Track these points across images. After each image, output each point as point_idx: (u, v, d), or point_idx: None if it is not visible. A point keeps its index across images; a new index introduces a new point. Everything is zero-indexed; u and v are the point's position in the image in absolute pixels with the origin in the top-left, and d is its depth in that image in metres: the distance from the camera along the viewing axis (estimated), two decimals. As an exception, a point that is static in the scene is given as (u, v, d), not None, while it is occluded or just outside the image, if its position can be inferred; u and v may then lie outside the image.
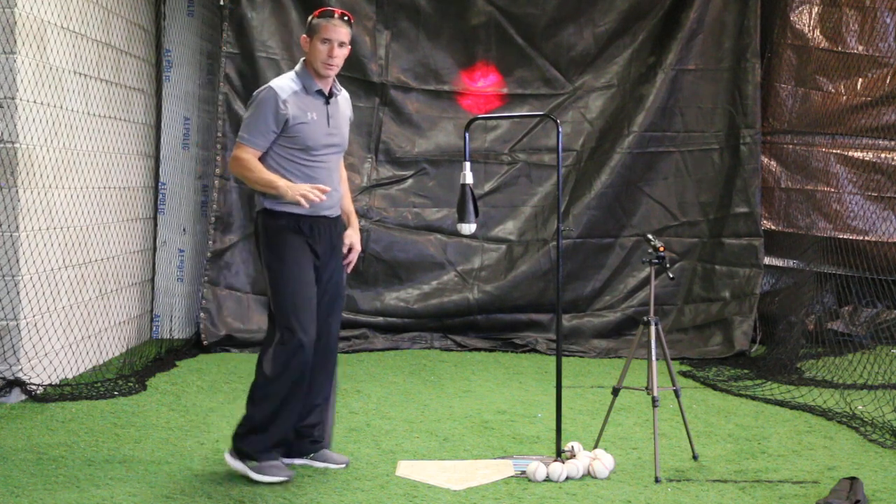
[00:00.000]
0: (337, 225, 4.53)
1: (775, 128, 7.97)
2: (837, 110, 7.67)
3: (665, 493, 4.24)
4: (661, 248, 4.66)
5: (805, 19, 7.86)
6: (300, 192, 4.22)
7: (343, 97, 4.56)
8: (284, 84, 4.38)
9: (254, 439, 4.36)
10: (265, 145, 4.34)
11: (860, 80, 7.68)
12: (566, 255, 7.82)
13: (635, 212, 8.07)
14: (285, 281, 4.34)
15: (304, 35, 4.41)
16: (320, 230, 4.42)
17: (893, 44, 7.65)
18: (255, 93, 4.45)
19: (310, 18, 4.41)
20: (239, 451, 4.39)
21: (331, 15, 4.35)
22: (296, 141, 4.34)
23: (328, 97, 4.44)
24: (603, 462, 4.46)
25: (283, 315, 4.33)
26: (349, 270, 4.65)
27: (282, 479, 4.32)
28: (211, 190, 7.70)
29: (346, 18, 4.38)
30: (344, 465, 4.57)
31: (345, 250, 4.59)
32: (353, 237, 4.61)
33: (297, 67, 4.46)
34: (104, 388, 5.98)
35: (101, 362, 6.70)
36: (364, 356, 7.40)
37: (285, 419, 4.38)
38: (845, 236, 7.48)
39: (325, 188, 4.31)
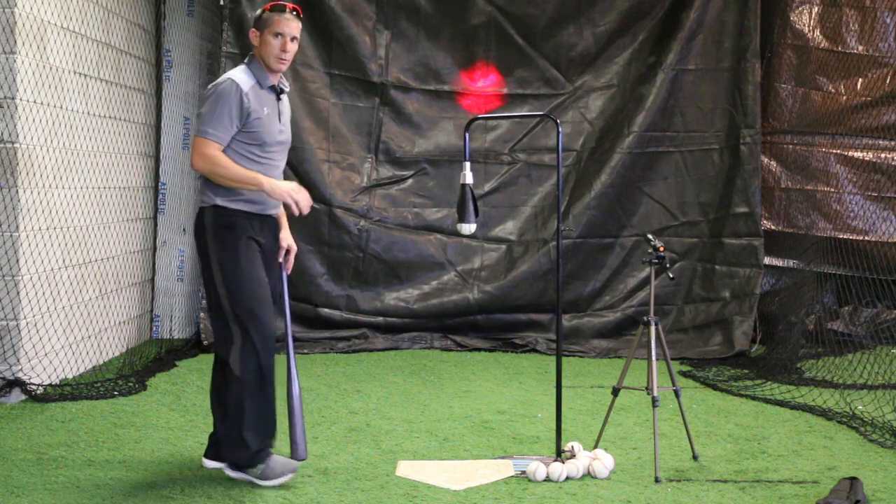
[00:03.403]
0: (276, 225, 4.47)
1: (775, 128, 7.97)
2: (837, 110, 7.67)
3: (665, 493, 4.24)
4: (661, 248, 4.65)
5: (805, 19, 7.86)
6: (289, 195, 4.19)
7: (286, 95, 4.48)
8: (242, 77, 4.25)
9: (250, 444, 4.25)
10: (227, 140, 4.20)
11: (860, 80, 7.68)
12: (566, 255, 7.82)
13: (635, 212, 8.07)
14: (243, 278, 4.22)
15: (253, 28, 4.30)
16: (266, 228, 4.35)
17: (893, 44, 7.65)
18: (212, 85, 4.30)
19: (259, 12, 4.32)
20: (237, 465, 4.30)
21: (283, 9, 4.26)
22: (253, 136, 4.23)
23: (279, 93, 4.38)
24: (603, 462, 4.46)
25: (246, 312, 4.20)
26: (289, 271, 4.55)
27: (289, 475, 4.26)
28: (211, 190, 7.69)
29: (296, 13, 4.30)
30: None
31: (282, 253, 4.51)
32: (288, 239, 4.53)
33: (248, 61, 4.34)
34: (104, 388, 5.97)
35: (101, 362, 6.70)
36: (364, 356, 7.40)
37: (270, 413, 4.31)
38: (845, 236, 7.48)
39: (307, 197, 4.29)
